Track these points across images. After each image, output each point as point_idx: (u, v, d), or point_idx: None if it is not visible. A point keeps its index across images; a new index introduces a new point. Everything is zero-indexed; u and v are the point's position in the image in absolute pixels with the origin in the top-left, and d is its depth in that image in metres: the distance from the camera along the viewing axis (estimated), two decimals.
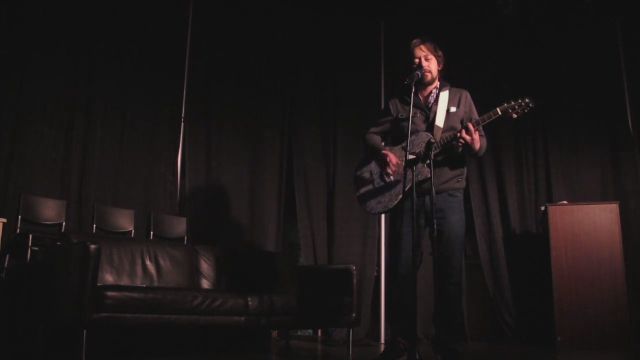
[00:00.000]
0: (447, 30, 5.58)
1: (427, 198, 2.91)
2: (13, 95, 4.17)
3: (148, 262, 3.76)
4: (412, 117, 2.92)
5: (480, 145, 3.01)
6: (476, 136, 2.95)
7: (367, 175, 3.20)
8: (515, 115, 2.97)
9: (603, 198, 5.11)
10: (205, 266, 4.06)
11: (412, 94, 2.87)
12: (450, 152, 3.05)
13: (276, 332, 4.87)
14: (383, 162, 3.08)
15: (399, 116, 3.19)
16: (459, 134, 2.94)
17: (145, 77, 4.85)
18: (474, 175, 5.45)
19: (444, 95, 3.14)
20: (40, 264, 3.42)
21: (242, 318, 3.41)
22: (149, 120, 4.83)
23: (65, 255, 3.16)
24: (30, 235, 3.81)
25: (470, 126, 2.91)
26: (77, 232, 4.08)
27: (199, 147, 5.00)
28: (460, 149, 3.01)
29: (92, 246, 2.92)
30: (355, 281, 3.98)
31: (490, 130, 3.82)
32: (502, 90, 5.40)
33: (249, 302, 3.44)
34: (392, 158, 3.06)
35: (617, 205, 4.61)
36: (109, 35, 4.68)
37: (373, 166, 3.18)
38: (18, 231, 3.97)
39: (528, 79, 5.54)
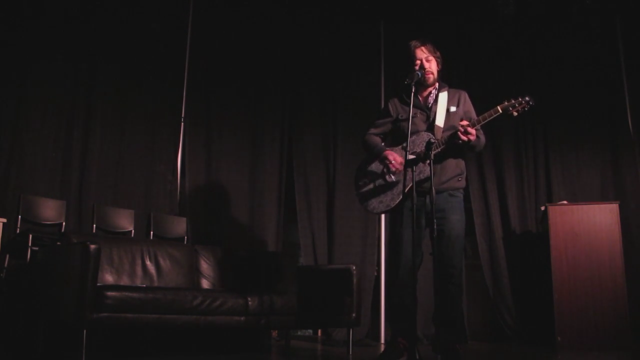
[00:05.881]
0: (446, 30, 5.59)
1: (428, 198, 2.91)
2: (13, 95, 4.18)
3: (148, 262, 3.76)
4: (412, 117, 2.92)
5: (479, 140, 3.03)
6: (475, 134, 2.96)
7: (368, 175, 3.20)
8: (515, 114, 2.99)
9: (603, 198, 5.10)
10: (205, 266, 4.06)
11: (412, 94, 2.88)
12: (451, 150, 3.05)
13: (276, 332, 4.87)
14: (386, 162, 3.08)
15: (399, 117, 3.20)
16: (459, 133, 2.94)
17: (146, 78, 4.85)
18: (474, 175, 5.45)
19: (443, 96, 3.15)
20: (40, 264, 3.42)
21: (242, 318, 3.41)
22: (149, 120, 4.83)
23: (65, 255, 3.16)
24: (30, 235, 3.81)
25: (469, 128, 2.93)
26: (77, 232, 4.09)
27: (199, 147, 4.99)
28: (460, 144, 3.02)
29: (92, 246, 2.92)
30: (355, 281, 3.98)
31: (490, 130, 3.83)
32: (502, 90, 5.39)
33: (249, 302, 3.44)
34: (396, 157, 3.05)
35: (617, 205, 4.60)
36: (109, 35, 4.67)
37: (374, 166, 3.18)
38: (18, 231, 3.97)
39: (528, 79, 5.54)
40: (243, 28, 5.38)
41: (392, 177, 3.09)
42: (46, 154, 4.25)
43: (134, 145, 4.71)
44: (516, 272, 5.19)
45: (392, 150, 3.15)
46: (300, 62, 5.60)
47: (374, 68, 5.79)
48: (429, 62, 3.12)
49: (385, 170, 3.11)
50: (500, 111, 2.97)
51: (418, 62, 3.12)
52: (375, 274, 5.33)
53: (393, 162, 3.04)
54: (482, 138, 3.09)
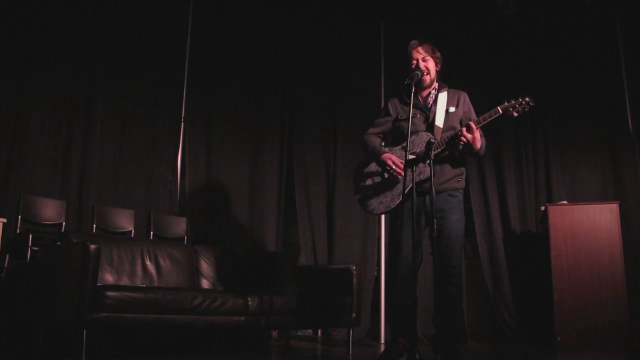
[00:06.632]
0: (447, 31, 5.60)
1: (427, 198, 2.92)
2: (13, 95, 4.17)
3: (148, 262, 3.76)
4: (412, 117, 2.92)
5: (481, 145, 3.03)
6: (477, 135, 2.96)
7: (367, 175, 3.19)
8: (516, 114, 2.99)
9: (603, 198, 5.10)
10: (205, 266, 4.06)
11: (412, 94, 2.88)
12: (451, 151, 3.05)
13: (276, 332, 4.87)
14: (387, 168, 3.07)
15: (399, 117, 3.20)
16: (460, 133, 2.95)
17: (145, 77, 4.85)
18: (474, 175, 5.45)
19: (443, 96, 3.16)
20: (40, 264, 3.42)
21: (242, 318, 3.41)
22: (149, 120, 4.82)
23: (65, 255, 3.16)
24: (30, 235, 3.81)
25: (472, 124, 2.93)
26: (77, 232, 4.08)
27: (199, 147, 4.99)
28: (461, 147, 3.02)
29: (92, 246, 2.92)
30: (355, 281, 3.98)
31: (490, 131, 3.83)
32: (502, 90, 5.39)
33: (249, 302, 3.44)
34: (395, 161, 3.05)
35: (617, 205, 4.61)
36: (109, 35, 4.67)
37: (374, 166, 3.18)
38: (18, 231, 3.97)
39: (528, 79, 5.55)
40: (243, 28, 5.38)
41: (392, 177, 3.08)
42: (46, 154, 4.25)
43: (134, 145, 4.71)
44: (516, 272, 5.19)
45: (391, 150, 3.15)
46: (300, 62, 5.60)
47: (374, 68, 5.79)
48: (425, 62, 3.12)
49: (390, 175, 3.10)
50: (501, 112, 2.98)
51: (414, 62, 3.13)
52: (375, 274, 5.33)
53: (395, 168, 3.03)
54: (484, 142, 3.08)
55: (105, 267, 3.49)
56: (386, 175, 3.10)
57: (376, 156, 3.15)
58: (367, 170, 3.21)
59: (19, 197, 4.04)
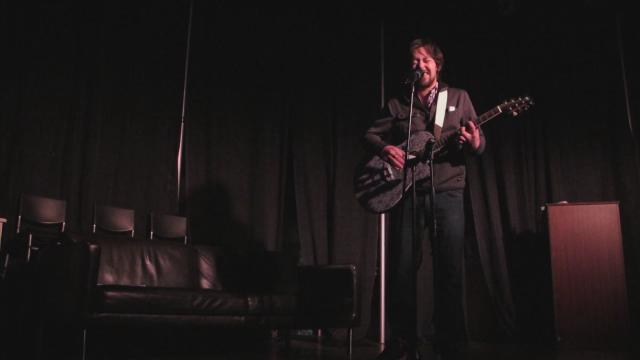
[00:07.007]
0: (447, 31, 5.60)
1: (427, 198, 2.92)
2: (13, 95, 4.17)
3: (148, 262, 3.76)
4: (412, 117, 2.93)
5: (480, 143, 3.03)
6: (476, 134, 2.96)
7: (367, 174, 3.20)
8: (515, 113, 3.00)
9: (603, 198, 5.10)
10: (205, 266, 4.06)
11: (412, 94, 2.88)
12: (451, 150, 3.06)
13: (276, 332, 4.87)
14: (389, 157, 3.07)
15: (399, 116, 3.20)
16: (459, 132, 2.95)
17: (145, 77, 4.85)
18: (474, 175, 5.45)
19: (443, 95, 3.16)
20: (40, 264, 3.42)
21: (242, 318, 3.41)
22: (149, 120, 4.82)
23: (65, 255, 3.16)
24: (30, 235, 3.80)
25: (471, 124, 2.93)
26: (77, 232, 4.08)
27: (199, 147, 4.99)
28: (461, 146, 3.02)
29: (92, 246, 2.92)
30: (355, 281, 3.99)
31: (490, 131, 3.85)
32: (502, 90, 5.39)
33: (249, 302, 3.44)
34: (397, 151, 3.05)
35: (617, 205, 4.61)
36: (109, 35, 4.68)
37: (373, 164, 3.18)
38: (18, 231, 3.97)
39: (528, 79, 5.55)
40: (243, 28, 5.38)
41: (392, 176, 3.09)
42: (46, 154, 4.25)
43: (134, 145, 4.70)
44: (516, 272, 5.19)
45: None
46: (300, 62, 5.60)
47: (374, 68, 5.79)
48: (426, 63, 3.13)
49: (386, 167, 3.10)
50: (500, 111, 2.98)
51: (415, 62, 3.13)
52: (375, 274, 5.33)
53: (396, 156, 3.03)
54: (483, 141, 3.09)
55: (105, 267, 3.49)
56: (386, 174, 3.10)
57: (378, 148, 3.15)
58: (367, 169, 3.21)
59: (19, 197, 4.04)
